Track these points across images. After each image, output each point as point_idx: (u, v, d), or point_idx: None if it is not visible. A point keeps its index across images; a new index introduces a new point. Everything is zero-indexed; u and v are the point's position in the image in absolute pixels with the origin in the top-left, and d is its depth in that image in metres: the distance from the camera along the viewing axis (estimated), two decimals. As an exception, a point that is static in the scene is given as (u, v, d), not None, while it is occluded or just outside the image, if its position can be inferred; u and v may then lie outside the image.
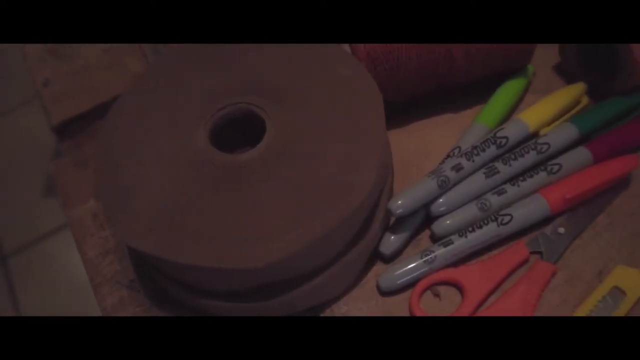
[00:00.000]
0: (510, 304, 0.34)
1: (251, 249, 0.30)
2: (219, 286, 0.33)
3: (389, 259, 0.36)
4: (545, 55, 0.44)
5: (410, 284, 0.35)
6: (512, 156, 0.37)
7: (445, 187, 0.36)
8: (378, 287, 0.36)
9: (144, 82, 0.38)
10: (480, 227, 0.35)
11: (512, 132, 0.38)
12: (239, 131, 0.36)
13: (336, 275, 0.34)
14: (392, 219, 0.37)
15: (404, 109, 0.43)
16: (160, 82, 0.38)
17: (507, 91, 0.41)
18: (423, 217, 0.37)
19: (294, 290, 0.33)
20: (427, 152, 0.40)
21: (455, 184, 0.36)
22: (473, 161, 0.37)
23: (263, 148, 0.34)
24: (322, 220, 0.31)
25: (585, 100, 0.41)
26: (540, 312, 0.34)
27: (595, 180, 0.36)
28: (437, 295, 0.35)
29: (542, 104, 0.40)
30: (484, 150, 0.37)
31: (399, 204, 0.35)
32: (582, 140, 0.38)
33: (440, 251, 0.35)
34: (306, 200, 0.32)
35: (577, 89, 0.40)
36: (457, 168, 0.36)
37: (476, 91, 0.42)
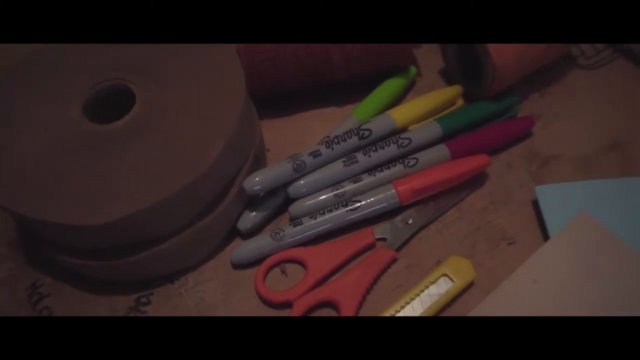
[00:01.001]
0: (345, 283, 0.35)
1: (97, 208, 0.33)
2: (76, 244, 0.36)
3: (245, 235, 0.39)
4: (432, 58, 0.46)
5: (261, 260, 0.37)
6: (373, 148, 0.39)
7: (300, 170, 0.38)
8: (230, 260, 0.38)
9: (31, 58, 0.41)
10: (331, 211, 0.37)
11: (376, 125, 0.40)
12: (117, 106, 0.39)
13: (187, 243, 0.36)
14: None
15: (290, 101, 0.45)
16: (46, 60, 0.41)
17: (385, 89, 0.43)
18: (284, 199, 0.39)
19: (146, 251, 0.35)
20: (305, 141, 0.43)
21: (314, 169, 0.39)
22: (332, 149, 0.39)
23: (128, 120, 0.36)
24: (162, 188, 0.33)
25: (460, 102, 0.43)
26: (374, 295, 0.36)
27: (445, 174, 0.38)
28: (283, 271, 0.37)
29: (413, 102, 0.42)
30: (345, 140, 0.39)
31: (253, 181, 0.37)
32: (446, 139, 0.40)
33: (289, 230, 0.37)
34: (158, 169, 0.34)
35: (451, 91, 0.42)
36: (315, 154, 0.38)
37: (362, 88, 0.44)
